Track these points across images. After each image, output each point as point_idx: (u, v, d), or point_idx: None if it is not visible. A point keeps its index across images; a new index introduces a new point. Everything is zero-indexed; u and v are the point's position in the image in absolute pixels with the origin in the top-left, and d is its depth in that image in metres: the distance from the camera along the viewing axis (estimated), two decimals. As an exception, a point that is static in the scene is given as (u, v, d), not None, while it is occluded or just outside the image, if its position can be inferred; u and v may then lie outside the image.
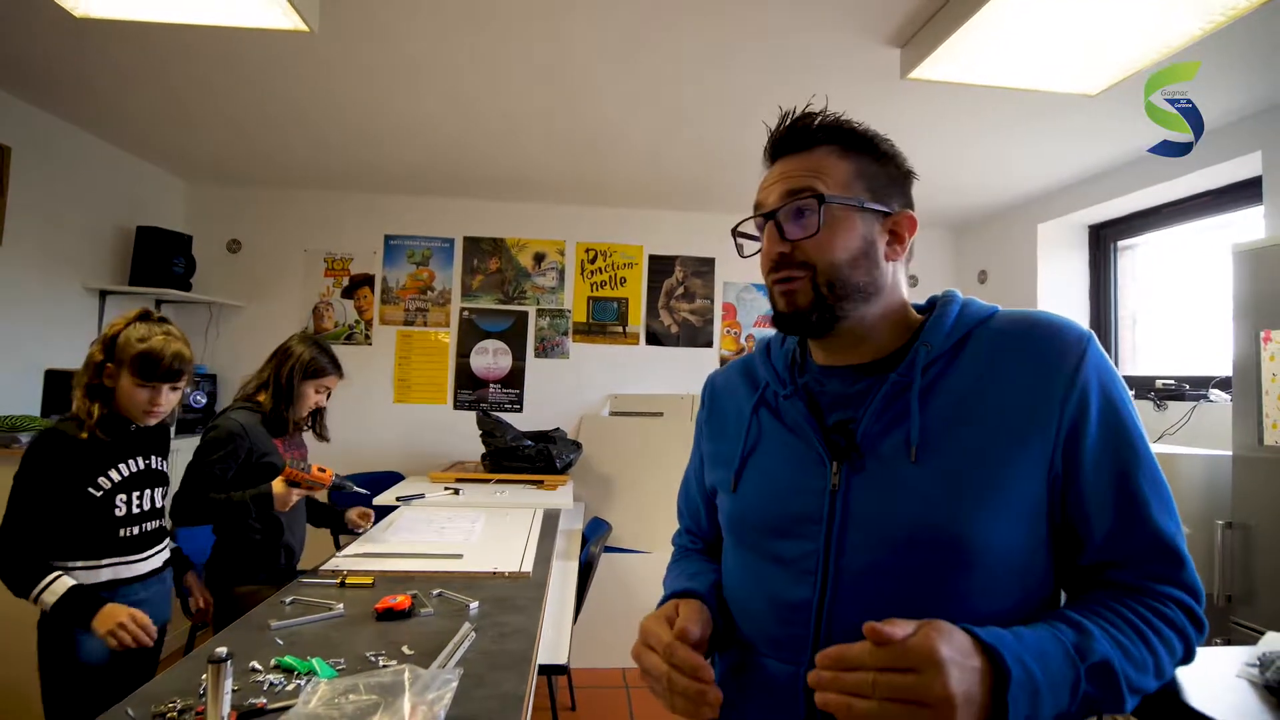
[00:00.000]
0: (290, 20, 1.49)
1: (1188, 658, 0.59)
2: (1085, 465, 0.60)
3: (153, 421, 1.46)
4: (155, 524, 1.50)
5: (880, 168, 0.68)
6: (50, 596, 1.28)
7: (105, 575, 1.40)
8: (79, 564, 1.37)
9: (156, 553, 1.50)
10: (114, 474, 1.41)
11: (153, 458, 1.51)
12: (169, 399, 1.45)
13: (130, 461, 1.44)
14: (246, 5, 1.47)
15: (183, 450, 2.70)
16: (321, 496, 2.18)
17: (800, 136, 0.68)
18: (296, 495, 1.70)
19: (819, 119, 0.68)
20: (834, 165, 0.66)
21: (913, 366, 0.64)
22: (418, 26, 1.72)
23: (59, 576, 1.30)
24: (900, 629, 0.49)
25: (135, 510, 1.44)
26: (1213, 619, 1.68)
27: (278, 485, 1.67)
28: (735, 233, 0.74)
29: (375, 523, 2.08)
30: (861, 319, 0.67)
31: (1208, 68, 1.71)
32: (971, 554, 0.59)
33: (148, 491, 1.48)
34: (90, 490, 1.38)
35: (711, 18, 1.64)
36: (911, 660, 0.47)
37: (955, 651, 0.48)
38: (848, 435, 0.65)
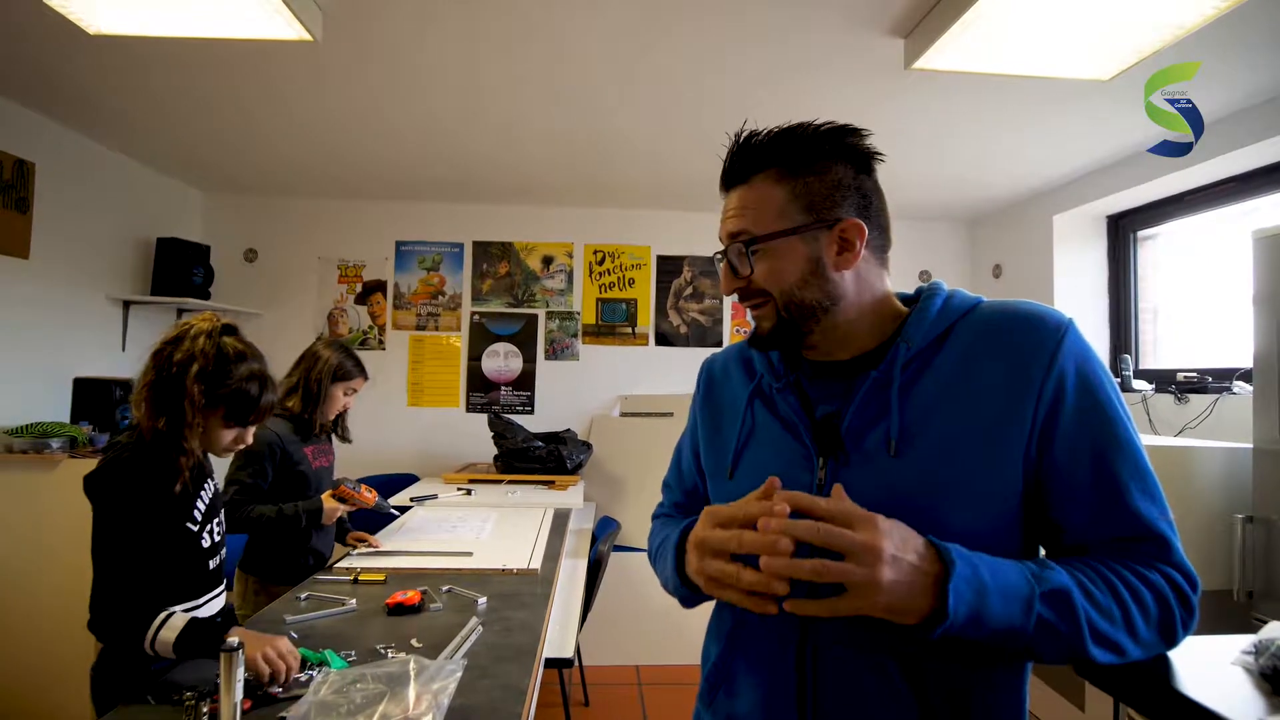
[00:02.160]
0: (294, 30, 1.53)
1: (1167, 629, 0.58)
2: (1061, 450, 0.60)
3: (229, 455, 1.32)
4: (225, 553, 1.37)
5: (822, 180, 0.67)
6: (170, 633, 1.08)
7: (201, 615, 1.24)
8: (179, 608, 1.18)
9: (224, 588, 1.37)
10: (200, 504, 1.27)
11: (214, 480, 1.36)
12: (253, 432, 1.31)
13: (206, 486, 1.30)
14: (251, 17, 1.51)
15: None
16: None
17: (741, 166, 0.70)
18: (342, 510, 1.80)
19: (758, 140, 0.69)
20: (770, 195, 0.67)
21: (892, 363, 0.65)
22: (419, 35, 1.75)
23: (171, 613, 1.11)
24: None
25: (215, 539, 1.31)
26: (1234, 615, 1.64)
27: (328, 500, 1.77)
28: (715, 260, 0.76)
29: (392, 521, 2.14)
30: (832, 327, 0.69)
31: (1227, 49, 1.69)
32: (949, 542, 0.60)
33: (219, 518, 1.35)
34: (189, 525, 1.23)
35: (711, 18, 1.65)
36: (852, 520, 0.54)
37: (896, 529, 0.54)
38: (833, 431, 0.67)
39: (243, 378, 1.23)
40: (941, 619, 0.52)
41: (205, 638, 1.10)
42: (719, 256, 0.73)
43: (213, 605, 1.32)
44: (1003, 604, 0.53)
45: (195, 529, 1.26)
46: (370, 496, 1.84)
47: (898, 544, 0.53)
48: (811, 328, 0.69)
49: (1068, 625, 0.55)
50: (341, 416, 2.02)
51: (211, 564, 1.30)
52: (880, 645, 0.62)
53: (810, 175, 0.68)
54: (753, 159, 0.69)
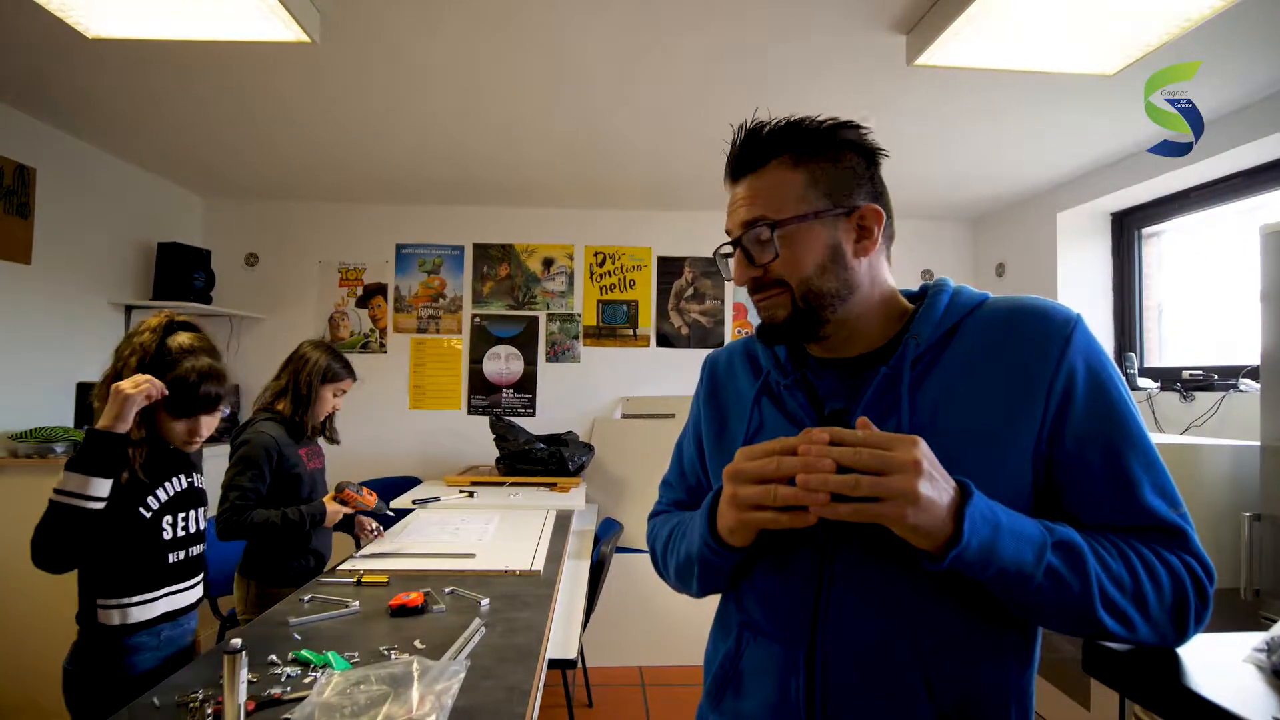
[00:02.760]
0: (292, 32, 1.53)
1: (1180, 614, 0.57)
2: (1072, 446, 0.60)
3: (194, 449, 1.37)
4: (199, 549, 1.40)
5: (837, 166, 0.67)
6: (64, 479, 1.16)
7: (160, 608, 1.29)
8: (135, 599, 1.25)
9: (199, 581, 1.41)
10: (161, 493, 1.31)
11: (193, 475, 1.41)
12: (209, 425, 1.34)
13: (175, 480, 1.35)
14: (249, 19, 1.51)
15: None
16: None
17: (753, 154, 0.68)
18: (344, 512, 1.84)
19: (769, 128, 0.67)
20: (786, 181, 0.66)
21: (903, 359, 0.65)
22: (418, 36, 1.75)
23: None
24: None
25: (181, 533, 1.35)
26: (1241, 613, 1.63)
27: (330, 503, 1.81)
28: (717, 256, 0.75)
29: (392, 523, 2.14)
30: (845, 319, 0.68)
31: (1233, 43, 1.68)
32: None
33: (191, 513, 1.38)
34: (140, 510, 1.27)
35: (711, 17, 1.64)
36: (892, 441, 0.54)
37: (931, 451, 0.55)
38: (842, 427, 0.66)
39: (183, 370, 1.27)
40: (955, 544, 0.53)
41: (90, 449, 1.16)
42: (727, 249, 0.71)
43: (183, 598, 1.34)
44: (1014, 543, 0.54)
45: (149, 515, 1.28)
46: (371, 499, 1.87)
47: (933, 461, 0.54)
48: (828, 318, 0.67)
49: (1078, 582, 0.55)
50: (330, 418, 2.02)
51: (173, 557, 1.33)
52: (891, 646, 0.61)
53: (825, 161, 0.67)
54: (765, 145, 0.67)
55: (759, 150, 0.68)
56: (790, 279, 0.67)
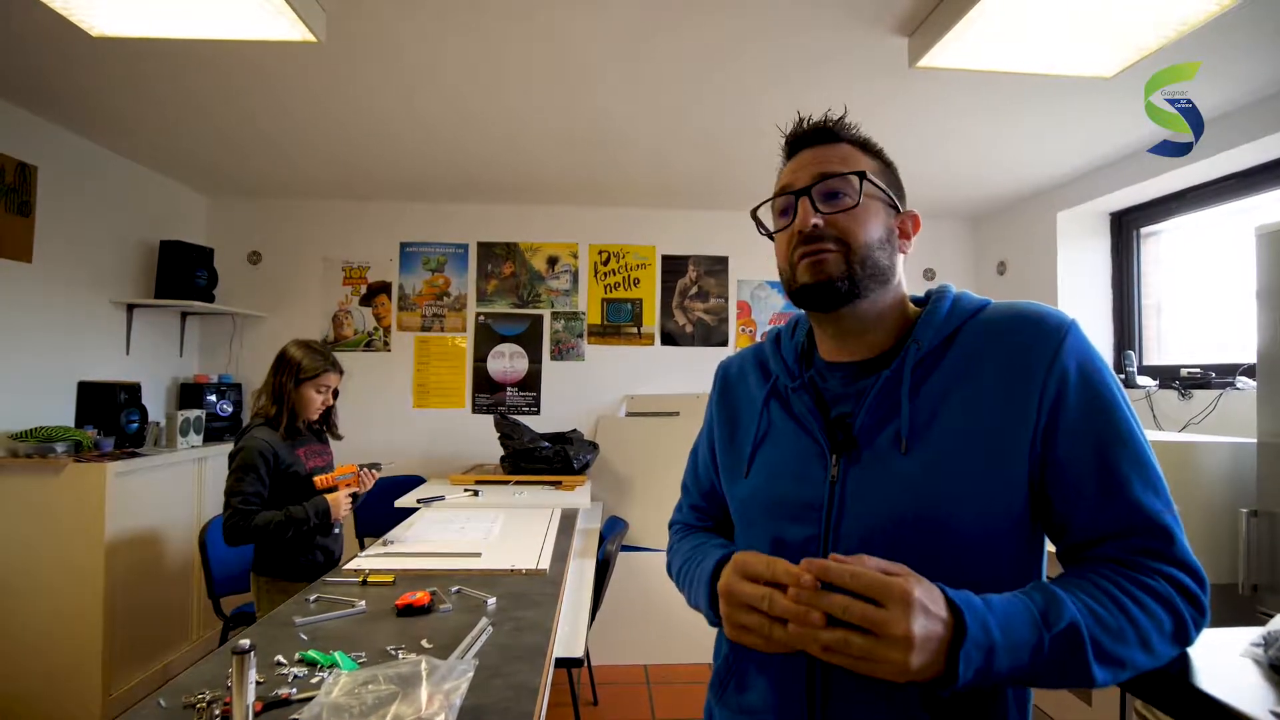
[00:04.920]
0: (298, 31, 1.53)
1: (1181, 634, 0.58)
2: (1064, 446, 0.61)
3: None
4: None
5: (890, 170, 0.74)
6: None
7: None
8: None
9: None
10: None
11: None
12: None
13: None
14: (255, 19, 1.51)
15: (209, 458, 2.80)
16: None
17: (825, 132, 0.73)
18: (345, 501, 1.85)
19: (840, 119, 0.74)
20: (860, 158, 0.72)
21: (904, 363, 0.67)
22: (423, 35, 1.75)
23: None
24: (870, 561, 0.54)
25: None
26: (1239, 608, 1.64)
27: (330, 498, 1.85)
28: (755, 216, 0.77)
29: (396, 523, 2.16)
30: (873, 305, 0.70)
31: (1230, 45, 1.69)
32: (956, 537, 0.62)
33: None
34: None
35: (713, 15, 1.65)
36: (885, 595, 0.51)
37: (927, 598, 0.52)
38: (846, 429, 0.69)
39: None
40: (950, 681, 0.52)
41: None
42: (791, 199, 0.70)
43: None
44: (1011, 658, 0.53)
45: None
46: (349, 468, 1.91)
47: (925, 620, 0.51)
48: (868, 291, 0.69)
49: (1075, 657, 0.54)
50: (329, 414, 2.02)
51: None
52: None
53: (883, 163, 0.74)
54: (837, 130, 0.73)
55: (832, 131, 0.73)
56: (854, 238, 0.68)
